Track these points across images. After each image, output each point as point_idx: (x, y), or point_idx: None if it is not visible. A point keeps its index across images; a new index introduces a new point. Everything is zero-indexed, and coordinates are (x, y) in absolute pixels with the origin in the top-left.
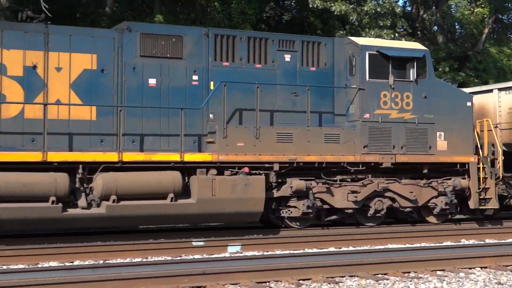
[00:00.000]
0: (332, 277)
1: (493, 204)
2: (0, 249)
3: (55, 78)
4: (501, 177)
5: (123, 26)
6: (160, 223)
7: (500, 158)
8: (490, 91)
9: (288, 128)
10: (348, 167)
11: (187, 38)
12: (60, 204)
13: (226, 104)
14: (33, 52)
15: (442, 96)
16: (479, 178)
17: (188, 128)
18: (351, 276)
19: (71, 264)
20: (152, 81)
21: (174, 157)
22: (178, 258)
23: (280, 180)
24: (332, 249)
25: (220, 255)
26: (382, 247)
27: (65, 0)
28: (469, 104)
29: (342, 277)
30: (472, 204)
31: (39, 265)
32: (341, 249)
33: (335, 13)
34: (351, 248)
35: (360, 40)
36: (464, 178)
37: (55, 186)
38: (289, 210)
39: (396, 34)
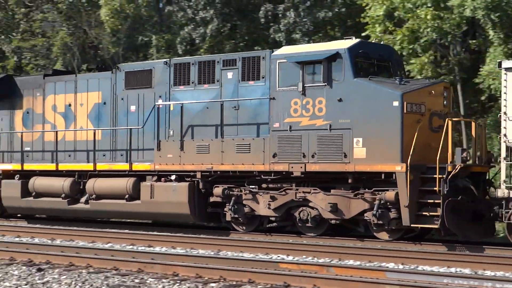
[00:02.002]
0: None
1: (433, 223)
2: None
3: (80, 111)
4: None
5: (115, 68)
6: (121, 217)
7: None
8: None
9: (206, 140)
10: (263, 176)
11: (155, 70)
12: (66, 200)
13: (167, 120)
14: (69, 95)
15: (361, 98)
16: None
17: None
18: None
19: None
20: (133, 108)
21: (125, 166)
22: None
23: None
24: None
25: None
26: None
27: None
28: (396, 104)
29: None
30: (403, 220)
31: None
32: None
33: None
34: None
35: (280, 50)
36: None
37: (63, 187)
38: (225, 215)
39: None
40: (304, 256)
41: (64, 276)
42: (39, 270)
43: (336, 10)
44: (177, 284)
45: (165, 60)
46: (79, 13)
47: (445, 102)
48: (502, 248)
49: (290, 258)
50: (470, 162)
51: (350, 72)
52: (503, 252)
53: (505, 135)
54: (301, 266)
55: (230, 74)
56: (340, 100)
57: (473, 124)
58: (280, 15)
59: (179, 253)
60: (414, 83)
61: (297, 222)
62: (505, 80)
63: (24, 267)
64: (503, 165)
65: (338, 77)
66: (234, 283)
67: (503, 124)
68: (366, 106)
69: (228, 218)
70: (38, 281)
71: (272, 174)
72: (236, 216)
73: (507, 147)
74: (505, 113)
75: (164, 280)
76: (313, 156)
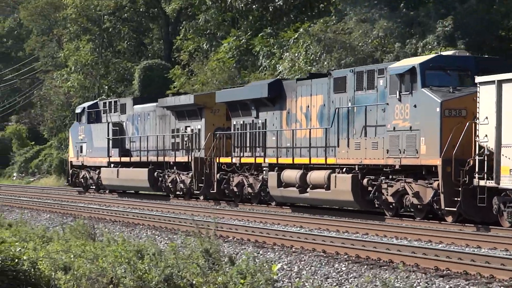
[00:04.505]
0: None
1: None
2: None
3: (313, 112)
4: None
5: (329, 74)
6: (323, 204)
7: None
8: None
9: (358, 138)
10: (384, 169)
11: (347, 77)
12: (298, 189)
13: (342, 121)
14: (308, 97)
15: (424, 104)
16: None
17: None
18: None
19: None
20: (340, 110)
21: (322, 160)
22: None
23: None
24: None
25: None
26: None
27: None
28: (437, 109)
29: None
30: (441, 204)
31: None
32: None
33: None
34: None
35: (394, 64)
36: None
37: (296, 178)
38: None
39: None
40: None
41: None
42: None
43: None
44: None
45: (351, 68)
46: None
47: None
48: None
49: None
50: None
51: (420, 83)
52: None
53: (477, 136)
54: None
55: (381, 81)
56: (415, 106)
57: None
58: None
59: None
60: (463, 90)
61: (405, 207)
62: (478, 92)
63: None
64: (477, 160)
65: (415, 87)
66: None
67: (477, 127)
68: (425, 111)
69: (376, 205)
70: None
71: (388, 167)
72: (378, 203)
73: (478, 146)
74: (477, 118)
75: None
76: (404, 152)
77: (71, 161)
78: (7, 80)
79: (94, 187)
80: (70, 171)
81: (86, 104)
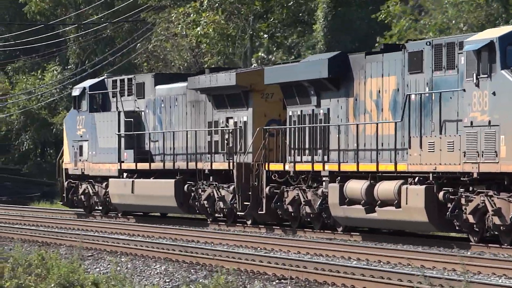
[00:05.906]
0: None
1: None
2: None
3: (384, 100)
4: None
5: (403, 47)
6: (393, 227)
7: None
8: None
9: (432, 137)
10: (461, 177)
11: (424, 52)
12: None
13: (416, 112)
14: (378, 79)
15: (502, 92)
16: None
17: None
18: None
19: None
20: (412, 97)
21: (391, 167)
22: None
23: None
24: None
25: None
26: None
27: None
28: None
29: None
30: None
31: None
32: None
33: None
34: None
35: (474, 35)
36: None
37: (361, 191)
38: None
39: None
40: None
41: None
42: None
43: None
44: None
45: (428, 40)
46: None
47: None
48: None
49: None
50: None
51: (499, 63)
52: None
53: None
54: None
55: (462, 59)
56: (493, 93)
57: None
58: None
59: None
60: None
61: (488, 229)
62: None
63: None
64: None
65: (494, 69)
66: None
67: None
68: (506, 100)
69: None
70: None
71: (466, 176)
72: (458, 223)
73: None
74: None
75: None
76: (482, 155)
77: (66, 169)
78: (91, 26)
79: (100, 207)
80: (66, 184)
81: (87, 83)
